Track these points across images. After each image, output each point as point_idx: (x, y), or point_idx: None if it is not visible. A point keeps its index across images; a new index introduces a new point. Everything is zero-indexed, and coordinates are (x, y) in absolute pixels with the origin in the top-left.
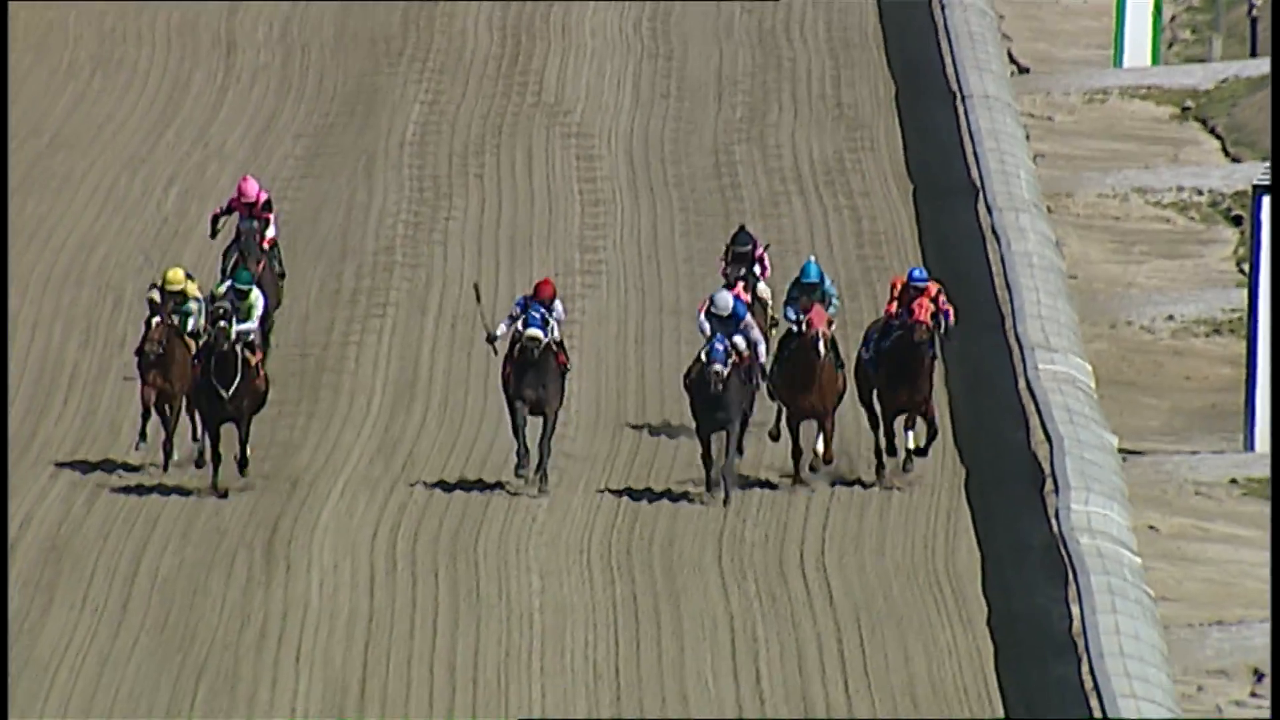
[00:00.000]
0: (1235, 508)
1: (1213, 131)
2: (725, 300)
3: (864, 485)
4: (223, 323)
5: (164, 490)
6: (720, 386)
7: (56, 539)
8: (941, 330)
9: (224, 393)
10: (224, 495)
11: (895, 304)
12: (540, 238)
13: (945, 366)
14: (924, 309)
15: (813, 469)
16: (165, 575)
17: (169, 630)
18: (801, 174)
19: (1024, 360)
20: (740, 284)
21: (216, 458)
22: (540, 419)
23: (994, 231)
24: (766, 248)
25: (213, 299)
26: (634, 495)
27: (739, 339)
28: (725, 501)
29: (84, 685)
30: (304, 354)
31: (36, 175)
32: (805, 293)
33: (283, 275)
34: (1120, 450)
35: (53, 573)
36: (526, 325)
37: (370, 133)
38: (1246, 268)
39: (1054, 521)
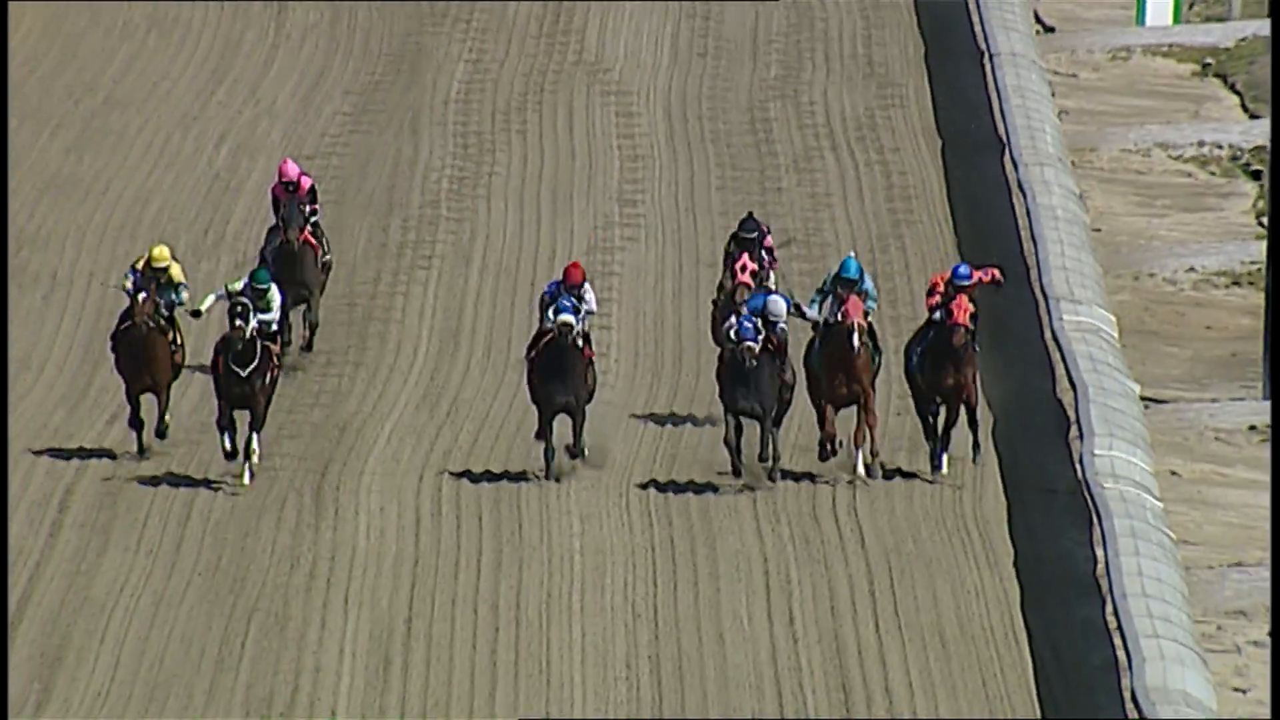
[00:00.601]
0: (1254, 454)
1: (1232, 88)
2: (779, 305)
3: (893, 435)
4: (239, 322)
5: (214, 440)
6: (753, 363)
7: (112, 483)
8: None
9: (240, 372)
10: (239, 477)
11: (936, 298)
12: (580, 192)
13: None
14: (963, 310)
15: (871, 474)
16: (217, 519)
17: (221, 572)
18: (834, 130)
19: (1049, 311)
20: (745, 254)
21: (233, 438)
22: (570, 417)
23: (1020, 186)
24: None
25: (229, 295)
26: (671, 442)
27: (776, 332)
28: (771, 478)
29: (139, 625)
30: (351, 304)
31: (92, 132)
32: (844, 288)
33: (328, 255)
34: (1143, 398)
35: (108, 516)
36: (559, 312)
37: (416, 90)
38: (1265, 221)
39: (1078, 467)
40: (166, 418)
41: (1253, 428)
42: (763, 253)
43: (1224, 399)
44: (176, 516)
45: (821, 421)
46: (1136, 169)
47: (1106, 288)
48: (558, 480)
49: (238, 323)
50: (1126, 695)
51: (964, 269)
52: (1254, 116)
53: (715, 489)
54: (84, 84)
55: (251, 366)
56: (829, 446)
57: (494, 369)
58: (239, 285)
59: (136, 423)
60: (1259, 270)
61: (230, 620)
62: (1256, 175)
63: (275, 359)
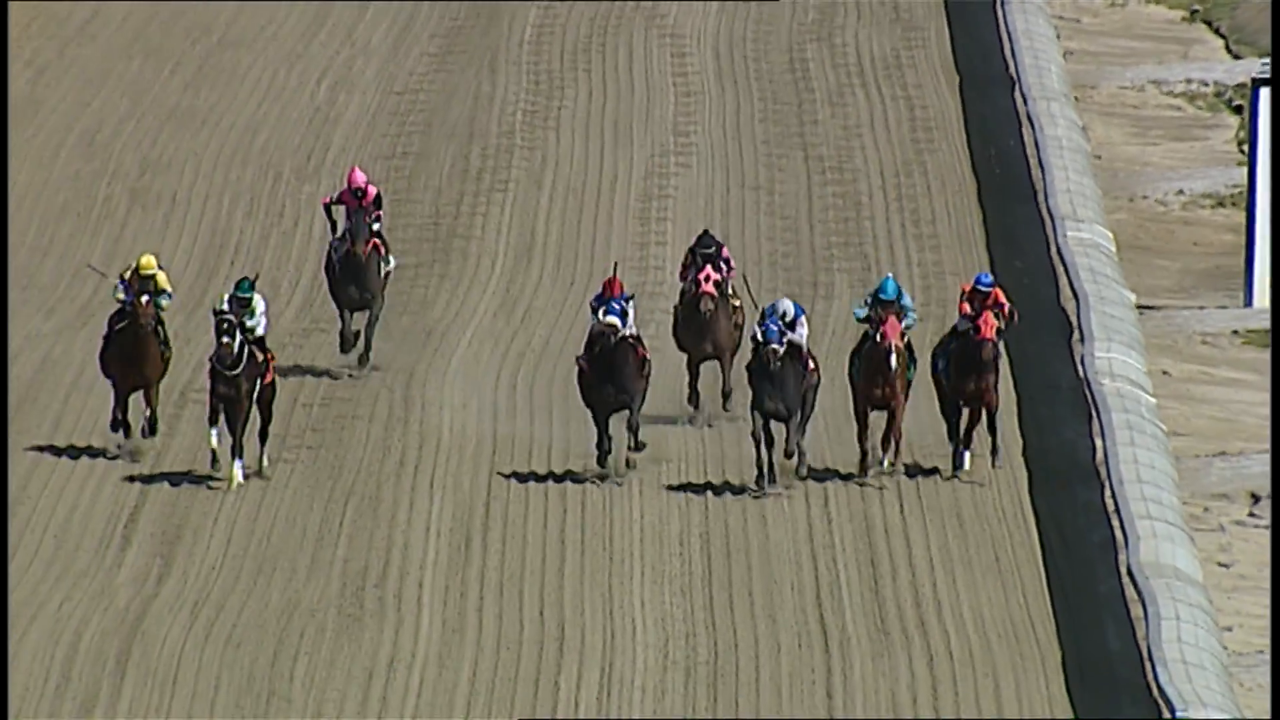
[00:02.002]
0: (1236, 355)
1: (1217, 32)
2: (788, 305)
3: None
4: (226, 338)
5: (319, 339)
6: (778, 364)
7: None
8: (1006, 326)
9: (228, 373)
10: (215, 464)
11: (967, 305)
12: (639, 124)
13: (987, 233)
14: (990, 325)
15: (884, 469)
16: (318, 413)
17: (321, 460)
18: (864, 69)
19: (1054, 228)
20: (708, 265)
21: (214, 440)
22: (624, 416)
23: (1029, 118)
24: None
25: (216, 314)
26: (714, 384)
27: (795, 335)
28: (800, 473)
29: (248, 508)
30: (436, 223)
31: (208, 69)
32: (881, 307)
33: (390, 266)
34: (1137, 305)
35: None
36: (606, 314)
37: (494, 33)
38: (1246, 149)
39: (1080, 366)
40: (156, 413)
41: (1235, 332)
42: (721, 263)
43: (1210, 306)
44: (282, 410)
45: (861, 434)
46: (1132, 103)
47: (1105, 208)
48: (617, 479)
49: (224, 339)
50: (1123, 569)
51: (985, 277)
52: (1237, 57)
53: None
54: (200, 26)
55: (239, 370)
56: (867, 457)
57: (563, 280)
58: (224, 303)
59: (123, 426)
60: (1240, 192)
61: (329, 502)
62: (1238, 109)
63: (265, 364)
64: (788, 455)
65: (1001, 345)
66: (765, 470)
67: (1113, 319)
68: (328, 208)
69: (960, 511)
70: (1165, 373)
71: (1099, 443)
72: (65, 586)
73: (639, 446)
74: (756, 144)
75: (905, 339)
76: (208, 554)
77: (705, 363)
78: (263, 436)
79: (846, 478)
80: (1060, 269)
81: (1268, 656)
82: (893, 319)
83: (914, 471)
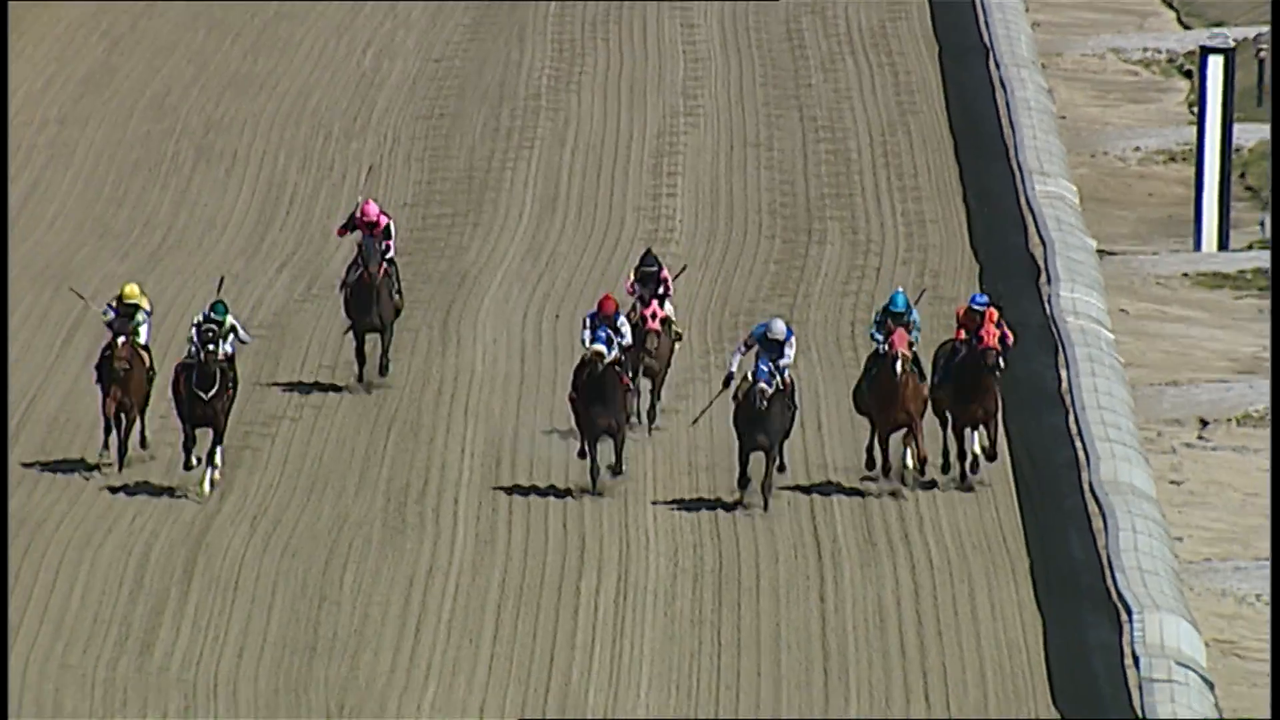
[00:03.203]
0: (1187, 295)
1: (1170, 5)
2: (780, 327)
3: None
4: (210, 346)
5: None
6: (764, 404)
7: (281, 316)
8: (1004, 352)
9: (204, 396)
10: (198, 497)
11: (962, 330)
12: (652, 87)
13: (963, 186)
14: (991, 335)
15: (905, 483)
16: (367, 348)
17: (368, 388)
18: (853, 39)
19: (1023, 181)
20: (654, 301)
21: (193, 459)
22: (610, 439)
23: (1001, 82)
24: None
25: (197, 326)
26: (727, 279)
27: (783, 361)
28: (765, 507)
29: (302, 431)
30: (470, 177)
31: (264, 39)
32: (891, 319)
33: (400, 290)
34: (1098, 250)
35: (278, 344)
36: (593, 340)
37: (522, 7)
38: (1195, 110)
39: (1047, 305)
40: (147, 433)
41: (1185, 274)
42: (661, 286)
43: (1163, 251)
44: (333, 344)
45: (871, 444)
46: (1093, 69)
47: (1069, 163)
48: (600, 494)
49: (209, 348)
50: (1085, 486)
51: (980, 297)
52: (1187, 28)
53: (760, 307)
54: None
55: (213, 391)
56: (872, 460)
57: (584, 228)
58: (199, 318)
59: (108, 444)
60: (1189, 149)
61: (374, 427)
62: (1188, 74)
63: (232, 383)
64: (764, 490)
65: (1002, 360)
66: (745, 487)
67: (1076, 263)
68: (341, 234)
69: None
70: (1123, 311)
71: (1064, 373)
72: (137, 503)
73: (619, 470)
74: (757, 106)
75: (913, 352)
76: (265, 474)
77: (643, 377)
78: (213, 453)
79: (839, 406)
80: (1029, 218)
81: (1215, 564)
82: (900, 330)
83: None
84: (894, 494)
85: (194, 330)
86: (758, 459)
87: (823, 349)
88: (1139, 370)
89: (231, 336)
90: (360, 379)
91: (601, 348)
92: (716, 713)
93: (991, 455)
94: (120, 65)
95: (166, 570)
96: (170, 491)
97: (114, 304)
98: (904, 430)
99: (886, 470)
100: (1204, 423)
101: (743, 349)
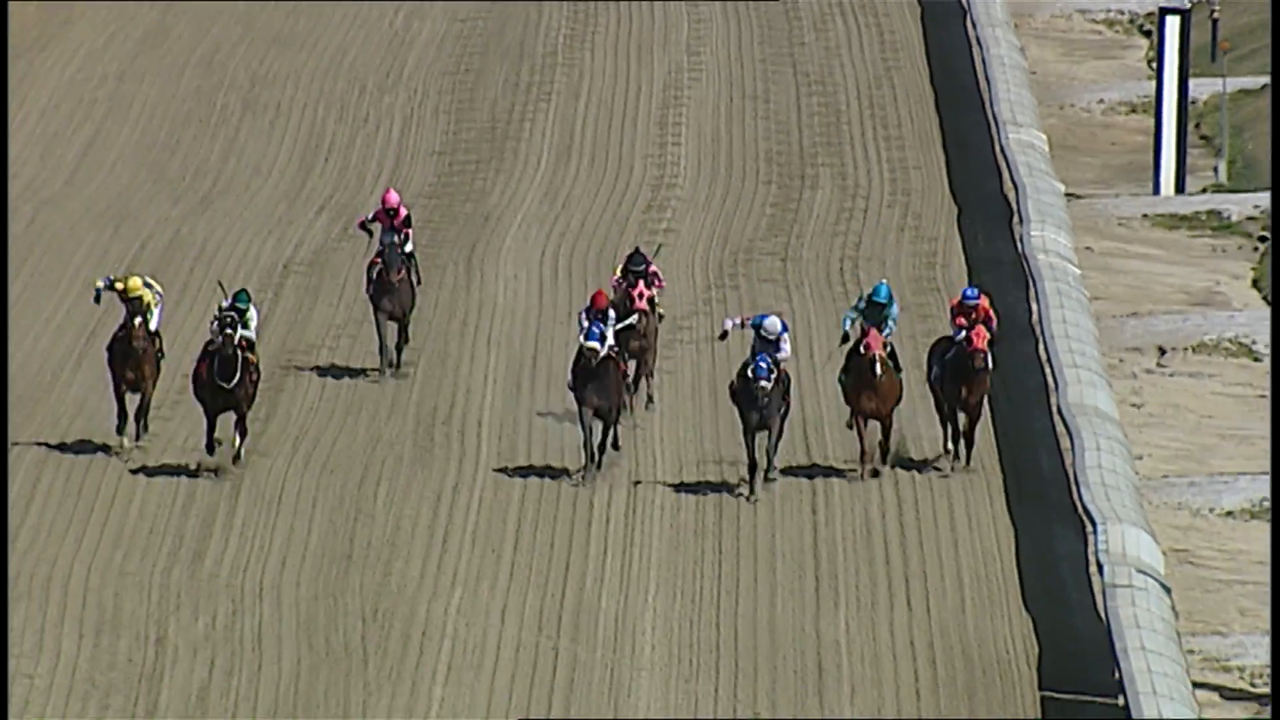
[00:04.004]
0: (1146, 234)
1: None
2: (774, 324)
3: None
4: (229, 330)
5: None
6: (765, 399)
7: (321, 253)
8: (993, 338)
9: (225, 386)
10: (221, 476)
11: (962, 318)
12: (659, 45)
13: (943, 135)
14: (981, 337)
15: (875, 473)
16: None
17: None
18: (843, 3)
19: (998, 131)
20: (640, 281)
21: (215, 443)
22: (603, 422)
23: (978, 41)
24: (657, 250)
25: (218, 312)
26: (727, 220)
27: (779, 354)
28: (767, 479)
29: (338, 360)
30: (493, 127)
31: (305, 2)
32: (872, 309)
33: (419, 282)
34: (1066, 194)
35: (317, 279)
36: (587, 338)
37: None
38: (1154, 66)
39: (1019, 244)
40: (147, 417)
41: (1145, 216)
42: (650, 278)
43: (1124, 194)
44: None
45: (859, 432)
46: (1062, 29)
47: (1039, 115)
48: (598, 467)
49: (228, 331)
50: (1053, 409)
51: (971, 291)
52: None
53: (759, 253)
54: None
55: (235, 380)
56: (864, 446)
57: (596, 173)
58: (224, 304)
59: (122, 427)
60: (1149, 101)
61: (406, 353)
62: (1148, 33)
63: (254, 369)
64: (766, 473)
65: (990, 359)
66: (751, 476)
67: (1045, 205)
68: (363, 225)
69: (921, 363)
70: (1088, 249)
71: (1034, 306)
72: (189, 424)
73: (616, 447)
74: (755, 62)
75: (888, 348)
76: (305, 399)
77: (632, 360)
78: (242, 429)
79: (829, 335)
80: (1003, 164)
81: (1172, 480)
82: (874, 331)
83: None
84: (875, 473)
85: (215, 320)
86: (761, 440)
87: (814, 284)
88: (1103, 303)
89: (253, 324)
90: (382, 360)
91: (595, 344)
92: (717, 615)
93: (969, 443)
94: (173, 26)
95: (215, 487)
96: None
97: (109, 286)
98: (879, 421)
99: (863, 455)
100: (1162, 351)
101: (731, 322)
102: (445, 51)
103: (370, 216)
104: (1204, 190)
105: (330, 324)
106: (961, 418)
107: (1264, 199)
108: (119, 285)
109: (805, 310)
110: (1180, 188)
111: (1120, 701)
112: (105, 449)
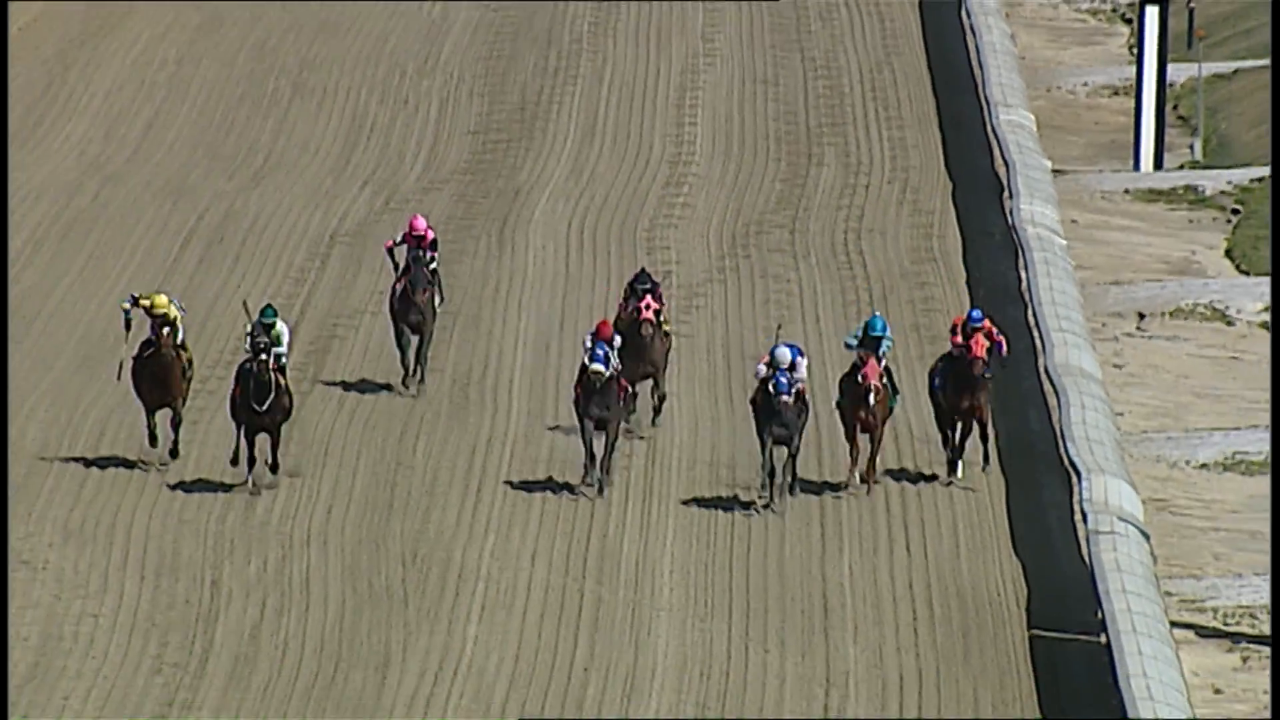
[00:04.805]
0: (1128, 208)
1: None
2: (784, 354)
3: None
4: (264, 355)
5: (435, 197)
6: (785, 413)
7: (362, 228)
8: (999, 356)
9: (259, 408)
10: (256, 493)
11: (959, 336)
12: (677, 32)
13: (939, 116)
14: (980, 345)
15: (863, 479)
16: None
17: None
18: None
19: (989, 112)
20: (648, 295)
21: (251, 460)
22: (603, 435)
23: (971, 28)
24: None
25: (250, 334)
26: (739, 195)
27: (797, 375)
28: (787, 494)
29: (381, 324)
30: (523, 108)
31: None
32: (868, 343)
33: (443, 300)
34: (1053, 170)
35: (361, 247)
36: (592, 360)
37: None
38: (1134, 52)
39: (1009, 217)
40: (179, 436)
41: (1126, 190)
42: (651, 298)
43: (1106, 171)
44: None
45: (852, 446)
46: (1049, 17)
47: (1028, 97)
48: (601, 490)
49: (262, 356)
50: (1041, 370)
51: (977, 313)
52: None
53: (764, 220)
54: None
55: (270, 401)
56: (856, 469)
57: (618, 151)
58: (250, 325)
59: (151, 438)
60: (1129, 84)
61: (441, 319)
62: (1129, 21)
63: (286, 388)
64: (785, 487)
65: (989, 369)
66: (770, 485)
67: (1034, 180)
68: (390, 251)
69: (920, 327)
70: (1074, 221)
71: (1023, 274)
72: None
73: (608, 470)
74: (765, 49)
75: (883, 377)
76: (350, 360)
77: (643, 381)
78: (275, 449)
79: (834, 302)
80: (994, 142)
81: (1150, 435)
82: (872, 361)
83: (881, 292)
84: (866, 485)
85: (248, 339)
86: (779, 454)
87: (820, 255)
88: (1087, 271)
89: (284, 340)
90: (405, 379)
91: (600, 367)
92: (731, 560)
93: (984, 440)
94: (228, 14)
95: (265, 440)
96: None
97: (134, 303)
98: (870, 433)
99: (855, 458)
100: (1141, 316)
101: (762, 367)
102: (479, 39)
103: (398, 239)
104: (1181, 167)
105: (373, 290)
106: (960, 426)
107: (1237, 174)
108: (144, 302)
109: (812, 278)
110: (1159, 164)
111: (1102, 639)
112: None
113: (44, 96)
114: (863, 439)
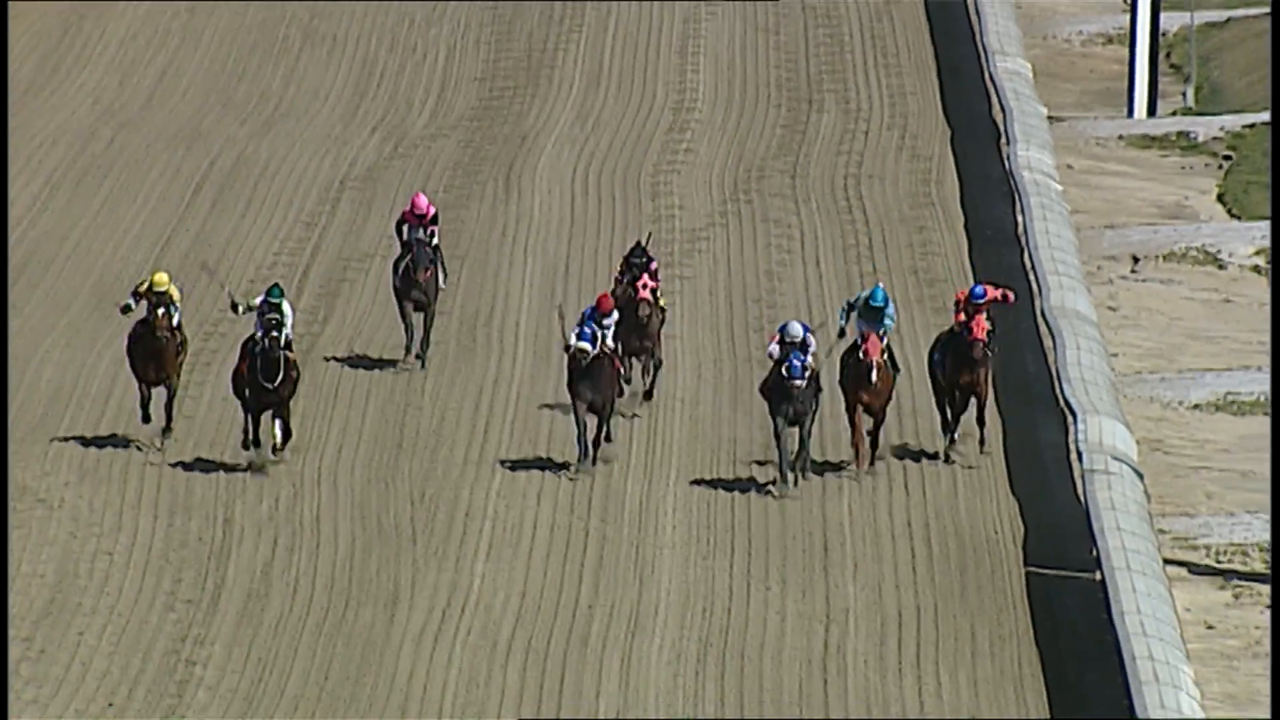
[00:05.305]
0: (1121, 153)
1: None
2: (796, 329)
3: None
4: (275, 332)
5: (442, 144)
6: (800, 396)
7: (371, 172)
8: (1002, 321)
9: (268, 385)
10: (261, 470)
11: (962, 314)
12: None
13: (938, 64)
14: (981, 327)
15: (870, 462)
16: (442, 201)
17: (445, 230)
18: None
19: (987, 60)
20: (644, 274)
21: (258, 440)
22: (596, 417)
23: None
24: (649, 237)
25: (257, 310)
26: (741, 141)
27: (810, 351)
28: (797, 481)
29: (390, 267)
30: (529, 55)
31: None
32: (869, 312)
33: (445, 275)
34: (1049, 117)
35: (370, 191)
36: (578, 339)
37: None
38: (1127, 1)
39: (1006, 162)
40: (173, 414)
41: (1120, 137)
42: (647, 275)
43: (1101, 118)
44: (416, 187)
45: (853, 428)
46: None
47: (1025, 45)
48: (593, 463)
49: (273, 333)
50: (1038, 312)
51: (980, 289)
52: None
53: (766, 169)
54: None
55: (278, 379)
56: (859, 448)
57: (622, 98)
58: (256, 301)
59: (147, 417)
60: (1123, 33)
61: (450, 261)
62: None
63: (294, 367)
64: (796, 467)
65: (989, 350)
66: (784, 466)
67: (1030, 127)
68: (398, 228)
69: (917, 270)
70: (1069, 166)
71: (1020, 218)
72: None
73: (609, 438)
74: (768, 13)
75: (885, 353)
76: (359, 302)
77: (637, 355)
78: (285, 426)
79: (833, 246)
80: (991, 90)
81: (1144, 376)
82: (874, 337)
83: (880, 236)
84: (870, 462)
85: (257, 317)
86: (791, 434)
87: (820, 199)
88: (1082, 215)
89: (289, 321)
90: (407, 349)
91: (586, 345)
92: (732, 499)
93: (980, 423)
94: None
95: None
96: None
97: (141, 290)
98: (872, 415)
99: (857, 450)
100: (1135, 259)
101: (775, 346)
102: None
103: (399, 219)
104: (1173, 113)
105: (382, 234)
106: (958, 401)
107: (1228, 121)
108: (142, 287)
109: (812, 222)
110: (1152, 111)
111: (1097, 576)
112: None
113: (59, 45)
114: (865, 420)
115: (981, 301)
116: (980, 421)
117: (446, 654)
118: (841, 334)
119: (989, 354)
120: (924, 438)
